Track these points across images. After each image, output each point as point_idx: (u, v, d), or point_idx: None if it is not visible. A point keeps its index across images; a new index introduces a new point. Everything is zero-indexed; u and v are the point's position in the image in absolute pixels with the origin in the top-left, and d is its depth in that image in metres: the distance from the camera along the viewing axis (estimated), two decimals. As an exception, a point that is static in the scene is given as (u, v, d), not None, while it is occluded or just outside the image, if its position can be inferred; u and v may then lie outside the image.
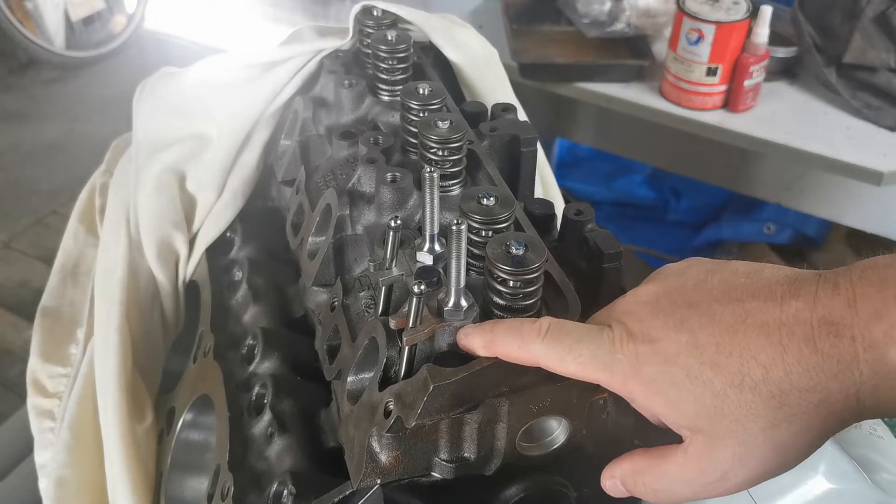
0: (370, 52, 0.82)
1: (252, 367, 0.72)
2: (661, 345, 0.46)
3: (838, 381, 0.41)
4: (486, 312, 0.56)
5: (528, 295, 0.54)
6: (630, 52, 1.76)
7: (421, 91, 0.73)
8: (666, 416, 0.46)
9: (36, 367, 0.90)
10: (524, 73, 1.73)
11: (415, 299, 0.53)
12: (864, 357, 0.41)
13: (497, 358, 0.51)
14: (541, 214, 0.66)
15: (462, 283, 0.54)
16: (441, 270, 0.58)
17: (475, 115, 0.79)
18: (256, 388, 0.69)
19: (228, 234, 0.88)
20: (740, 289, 0.46)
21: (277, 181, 0.85)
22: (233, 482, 0.64)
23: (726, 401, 0.43)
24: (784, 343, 0.42)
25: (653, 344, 0.46)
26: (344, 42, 0.87)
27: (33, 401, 0.90)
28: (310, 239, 0.71)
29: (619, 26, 1.76)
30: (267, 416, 0.66)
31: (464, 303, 0.54)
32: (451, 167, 0.67)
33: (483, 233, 0.57)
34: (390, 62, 0.80)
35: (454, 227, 0.51)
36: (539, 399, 0.54)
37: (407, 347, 0.54)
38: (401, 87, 0.78)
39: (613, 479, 0.52)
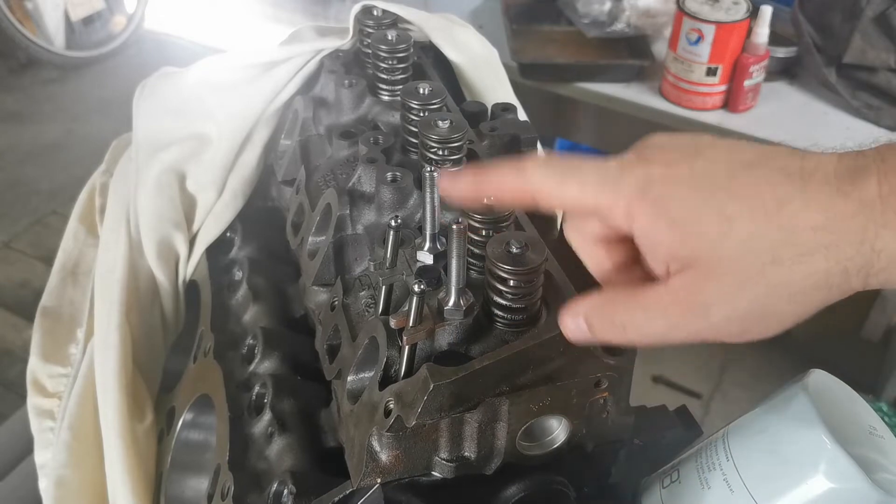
0: (370, 51, 0.82)
1: (252, 367, 0.72)
2: (674, 168, 0.43)
3: (855, 222, 0.40)
4: (486, 312, 0.56)
5: (528, 294, 0.54)
6: (630, 52, 1.76)
7: (421, 91, 0.73)
8: (664, 242, 0.43)
9: (36, 367, 0.90)
10: (524, 73, 1.73)
11: (415, 298, 0.53)
12: (888, 200, 0.39)
13: (498, 358, 0.52)
14: (541, 214, 0.66)
15: (462, 283, 0.54)
16: (441, 270, 0.58)
17: (475, 115, 0.80)
18: (256, 388, 0.69)
19: (228, 234, 0.88)
20: (758, 145, 0.45)
21: (277, 181, 0.86)
22: (233, 482, 0.64)
23: (734, 227, 0.41)
24: (804, 179, 0.41)
25: (666, 167, 0.44)
26: (344, 42, 0.87)
27: (33, 401, 0.90)
28: (310, 239, 0.71)
29: (619, 26, 1.76)
30: (267, 416, 0.66)
31: (464, 302, 0.54)
32: (452, 166, 0.67)
33: (483, 232, 0.57)
34: (390, 62, 0.80)
35: (454, 227, 0.51)
36: (539, 399, 0.54)
37: (407, 347, 0.54)
38: (401, 86, 0.78)
39: (577, 317, 0.48)
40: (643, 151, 0.46)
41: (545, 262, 0.54)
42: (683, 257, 0.43)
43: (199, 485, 0.78)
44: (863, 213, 0.40)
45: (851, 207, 0.40)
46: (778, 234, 0.41)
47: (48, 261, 1.01)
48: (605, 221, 0.46)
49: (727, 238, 0.42)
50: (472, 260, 0.58)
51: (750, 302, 0.42)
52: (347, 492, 0.56)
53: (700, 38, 1.56)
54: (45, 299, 0.96)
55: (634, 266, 0.49)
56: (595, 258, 0.51)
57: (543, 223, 0.66)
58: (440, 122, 0.66)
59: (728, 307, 0.43)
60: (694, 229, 0.42)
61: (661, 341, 0.45)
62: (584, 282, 0.57)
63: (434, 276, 0.58)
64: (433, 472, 0.56)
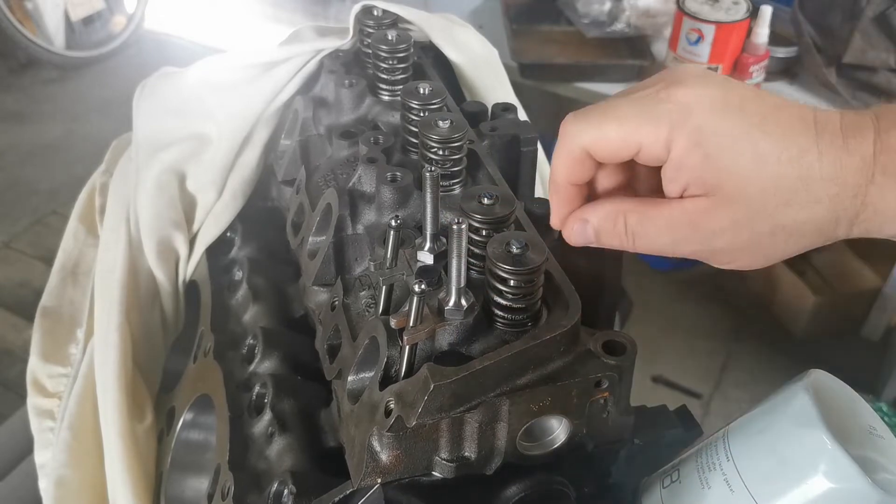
0: (370, 51, 0.82)
1: (252, 367, 0.72)
2: (709, 97, 0.45)
3: (856, 176, 0.43)
4: (486, 312, 0.56)
5: (528, 294, 0.54)
6: (630, 52, 1.77)
7: (421, 91, 0.73)
8: (696, 169, 0.45)
9: (36, 367, 0.90)
10: (524, 73, 1.73)
11: (415, 299, 0.53)
12: (879, 159, 0.43)
13: (498, 358, 0.51)
14: (541, 214, 0.66)
15: (463, 283, 0.54)
16: (441, 270, 0.58)
17: (475, 115, 0.80)
18: (256, 388, 0.69)
19: (228, 234, 0.88)
20: (773, 94, 0.48)
21: (277, 181, 0.86)
22: (233, 482, 0.64)
23: (762, 168, 0.44)
24: (818, 131, 0.44)
25: (701, 94, 0.45)
26: (344, 42, 0.87)
27: (33, 401, 0.90)
28: (310, 238, 0.71)
29: (619, 26, 1.76)
30: (267, 416, 0.66)
31: (464, 302, 0.54)
32: (452, 167, 0.67)
33: (483, 232, 0.57)
34: (390, 62, 0.80)
35: (455, 227, 0.51)
36: (539, 399, 0.54)
37: (407, 347, 0.54)
38: (401, 86, 0.78)
39: (585, 223, 0.51)
40: (673, 76, 0.47)
41: (545, 262, 0.54)
42: (709, 184, 0.45)
43: (199, 485, 0.78)
44: (862, 168, 0.44)
45: (855, 162, 0.44)
46: (797, 181, 0.44)
47: (48, 261, 1.01)
48: (644, 154, 0.47)
49: (755, 176, 0.44)
50: (472, 260, 0.58)
51: (752, 235, 0.46)
52: (348, 492, 0.56)
53: (700, 38, 1.56)
54: (45, 299, 0.96)
55: (627, 188, 0.52)
56: (602, 179, 0.53)
57: (543, 223, 0.66)
58: (440, 122, 0.66)
59: (732, 237, 0.46)
60: (727, 164, 0.45)
61: (661, 253, 0.49)
62: (584, 283, 0.58)
63: (434, 276, 0.58)
64: (433, 472, 0.56)
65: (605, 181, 0.53)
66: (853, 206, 0.44)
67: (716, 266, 0.48)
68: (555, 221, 0.52)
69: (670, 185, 0.47)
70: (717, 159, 0.45)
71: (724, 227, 0.46)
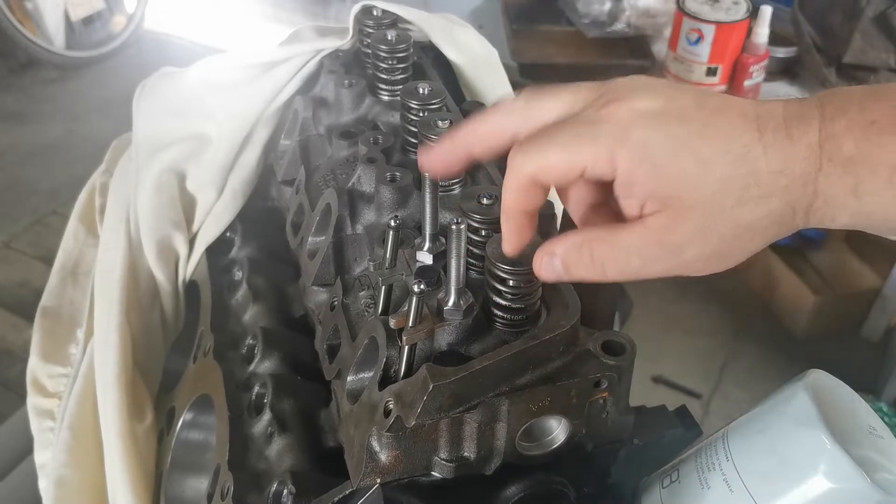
0: (370, 51, 0.82)
1: (252, 367, 0.72)
2: (649, 110, 0.46)
3: (803, 165, 0.44)
4: (485, 312, 0.56)
5: (527, 294, 0.54)
6: (630, 52, 1.77)
7: (421, 91, 0.73)
8: (645, 184, 0.46)
9: (36, 366, 0.90)
10: (524, 73, 1.73)
11: (415, 299, 0.53)
12: (825, 147, 0.44)
13: (498, 358, 0.51)
14: (541, 214, 0.66)
15: (462, 283, 0.54)
16: (441, 270, 0.58)
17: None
18: (256, 388, 0.69)
19: (228, 234, 0.88)
20: (713, 92, 0.48)
21: (277, 181, 0.86)
22: (233, 482, 0.64)
23: (708, 171, 0.44)
24: (761, 128, 0.45)
25: (640, 108, 0.46)
26: (344, 42, 0.87)
27: (33, 401, 0.90)
28: (310, 238, 0.71)
29: (619, 26, 1.76)
30: (267, 416, 0.66)
31: (463, 302, 0.54)
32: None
33: (483, 232, 0.57)
34: (390, 62, 0.80)
35: (454, 227, 0.51)
36: (538, 399, 0.54)
37: (407, 347, 0.54)
38: (401, 86, 0.78)
39: (553, 255, 0.50)
40: (611, 92, 0.48)
41: (545, 262, 0.54)
42: (662, 197, 0.46)
43: (199, 485, 0.78)
44: (809, 157, 0.44)
45: (801, 152, 0.44)
46: (746, 178, 0.45)
47: (48, 261, 1.01)
48: (590, 173, 0.48)
49: (703, 180, 0.45)
50: (471, 260, 0.58)
51: (719, 240, 0.46)
52: (347, 492, 0.56)
53: (700, 38, 1.56)
54: (45, 299, 0.96)
55: (603, 206, 0.52)
56: (578, 210, 0.53)
57: (543, 223, 0.66)
58: (440, 122, 0.66)
59: (699, 245, 0.46)
60: (674, 172, 0.45)
61: (634, 278, 0.48)
62: (583, 283, 0.58)
63: (434, 276, 0.58)
64: (433, 473, 0.56)
65: (576, 202, 0.53)
66: (805, 196, 0.44)
67: (692, 276, 0.48)
68: (507, 249, 0.52)
69: (627, 203, 0.48)
70: (664, 169, 0.45)
71: (690, 238, 0.46)
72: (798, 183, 0.44)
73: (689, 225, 0.45)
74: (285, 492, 0.60)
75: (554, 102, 0.49)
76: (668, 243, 0.46)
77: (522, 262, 0.53)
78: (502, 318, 0.55)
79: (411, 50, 0.81)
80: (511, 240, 0.51)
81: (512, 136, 0.50)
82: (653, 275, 0.48)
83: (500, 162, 0.74)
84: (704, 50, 1.57)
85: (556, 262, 0.50)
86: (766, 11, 1.55)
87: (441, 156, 0.52)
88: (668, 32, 1.67)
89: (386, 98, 0.81)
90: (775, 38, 1.64)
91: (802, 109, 0.45)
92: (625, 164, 0.46)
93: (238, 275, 0.82)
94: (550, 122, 0.49)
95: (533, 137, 0.48)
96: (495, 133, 0.51)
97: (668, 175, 0.45)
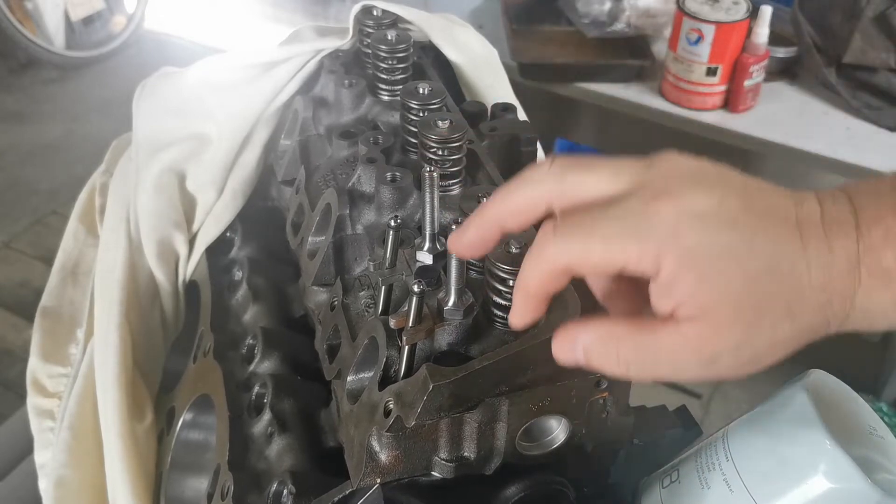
0: (370, 51, 0.82)
1: (252, 367, 0.72)
2: (700, 212, 0.43)
3: (843, 281, 0.42)
4: (485, 312, 0.56)
5: (527, 294, 0.54)
6: (630, 52, 1.77)
7: (421, 91, 0.73)
8: (688, 290, 0.43)
9: (36, 367, 0.90)
10: (524, 73, 1.73)
11: (415, 298, 0.53)
12: (865, 260, 0.42)
13: (497, 358, 0.51)
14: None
15: (462, 283, 0.54)
16: (441, 270, 0.58)
17: (475, 115, 0.80)
18: (256, 388, 0.69)
19: (228, 234, 0.88)
20: (755, 186, 0.45)
21: (277, 181, 0.86)
22: (233, 482, 0.64)
23: (754, 288, 0.42)
24: (804, 237, 0.42)
25: (692, 208, 0.43)
26: (344, 42, 0.87)
27: (33, 401, 0.90)
28: (310, 239, 0.71)
29: (619, 26, 1.76)
30: (267, 416, 0.66)
31: (463, 302, 0.54)
32: (451, 167, 0.67)
33: (483, 232, 0.57)
34: (390, 62, 0.80)
35: (454, 227, 0.51)
36: (539, 398, 0.54)
37: (407, 347, 0.54)
38: (401, 86, 0.78)
39: (574, 344, 0.47)
40: (658, 179, 0.45)
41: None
42: (703, 306, 0.43)
43: (199, 485, 0.78)
44: (849, 271, 0.42)
45: (842, 265, 0.42)
46: (790, 294, 0.42)
47: (48, 261, 1.01)
48: (629, 270, 0.45)
49: (748, 297, 0.42)
50: (471, 260, 0.58)
51: (753, 353, 0.44)
52: (347, 492, 0.56)
53: (700, 38, 1.56)
54: (45, 299, 0.96)
55: (628, 282, 0.49)
56: (598, 283, 0.51)
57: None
58: (440, 122, 0.66)
59: (733, 357, 0.44)
60: (720, 285, 0.43)
61: (658, 380, 0.46)
62: (583, 283, 0.57)
63: (434, 277, 0.58)
64: (433, 472, 0.56)
65: (600, 275, 0.51)
66: (843, 310, 0.43)
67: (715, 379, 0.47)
68: (515, 322, 0.50)
69: (660, 302, 0.45)
70: (710, 281, 0.43)
71: (726, 350, 0.43)
72: (838, 298, 0.42)
73: (727, 339, 0.43)
74: (285, 492, 0.60)
75: (593, 179, 0.46)
76: (702, 354, 0.44)
77: (523, 262, 0.53)
78: (502, 318, 0.55)
79: (411, 50, 0.81)
80: (523, 316, 0.49)
81: (546, 208, 0.47)
82: (679, 380, 0.46)
83: (501, 162, 0.74)
84: (704, 50, 1.57)
85: (577, 350, 0.47)
86: (766, 11, 1.55)
87: (472, 238, 0.49)
88: (668, 32, 1.67)
89: (386, 98, 0.81)
90: (775, 38, 1.64)
91: (839, 214, 0.43)
92: (670, 269, 0.43)
93: (238, 275, 0.82)
94: (588, 202, 0.45)
95: (571, 223, 0.45)
96: (528, 207, 0.48)
97: (713, 288, 0.43)
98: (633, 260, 0.43)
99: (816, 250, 0.42)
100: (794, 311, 0.43)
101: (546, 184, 0.47)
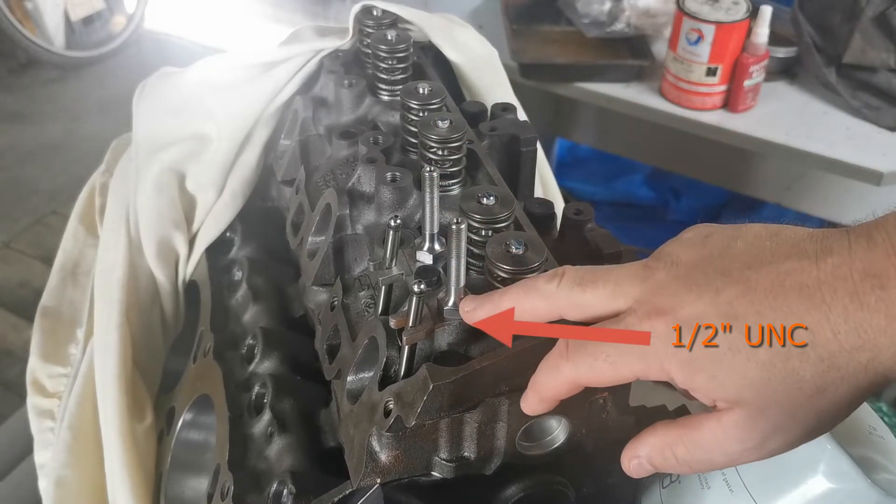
0: (370, 51, 0.82)
1: (252, 367, 0.72)
2: (698, 315, 0.43)
3: (887, 335, 0.39)
4: (485, 312, 0.56)
5: (527, 294, 0.54)
6: (630, 52, 1.76)
7: (421, 91, 0.73)
8: (708, 391, 0.44)
9: (36, 367, 0.90)
10: (524, 73, 1.73)
11: (415, 299, 0.53)
12: None
13: (497, 358, 0.51)
14: (541, 214, 0.66)
15: (462, 283, 0.54)
16: (441, 270, 0.58)
17: (475, 115, 0.79)
18: (256, 388, 0.69)
19: (228, 234, 0.88)
20: (769, 251, 0.43)
21: (277, 181, 0.85)
22: (233, 482, 0.64)
23: (772, 371, 0.41)
24: (828, 302, 0.40)
25: (688, 316, 0.43)
26: (344, 42, 0.87)
27: (33, 401, 0.90)
28: (310, 239, 0.71)
29: (619, 26, 1.76)
30: (267, 416, 0.66)
31: (464, 302, 0.54)
32: (451, 167, 0.67)
33: (483, 232, 0.57)
34: (390, 62, 0.80)
35: (454, 227, 0.51)
36: (539, 398, 0.54)
37: (407, 347, 0.54)
38: (401, 86, 0.78)
39: (639, 458, 0.49)
40: (654, 291, 0.45)
41: (545, 262, 0.54)
42: (730, 399, 0.43)
43: (199, 485, 0.78)
44: (892, 326, 0.39)
45: (882, 321, 0.39)
46: (818, 365, 0.41)
47: (48, 261, 1.01)
48: (644, 379, 0.46)
49: (769, 385, 0.42)
50: (471, 260, 0.58)
51: (803, 429, 0.43)
52: (347, 492, 0.56)
53: (700, 38, 1.56)
54: (45, 299, 0.96)
55: None
56: None
57: (543, 223, 0.66)
58: (440, 122, 0.66)
59: (783, 436, 0.43)
60: (735, 381, 0.42)
61: (722, 467, 0.48)
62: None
63: (433, 277, 0.58)
64: (433, 472, 0.56)
65: None
66: (893, 360, 0.40)
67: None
68: (528, 411, 0.52)
69: (697, 397, 0.46)
70: (722, 379, 0.43)
71: (771, 432, 0.43)
72: (886, 353, 0.40)
73: (767, 423, 0.43)
74: (285, 492, 0.60)
75: (596, 296, 0.47)
76: (747, 442, 0.44)
77: (522, 262, 0.53)
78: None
79: (411, 50, 0.81)
80: (535, 409, 0.52)
81: (558, 318, 0.50)
82: (745, 463, 0.46)
83: (501, 162, 0.74)
84: (704, 50, 1.57)
85: (643, 464, 0.49)
86: (766, 11, 1.55)
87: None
88: (668, 32, 1.67)
89: (386, 98, 0.81)
90: (775, 38, 1.64)
91: (874, 264, 0.40)
92: (679, 377, 0.44)
93: (238, 275, 0.82)
94: (594, 317, 0.48)
95: (579, 345, 0.47)
96: (541, 318, 0.50)
97: (728, 384, 0.42)
98: (642, 374, 0.45)
99: (843, 312, 0.40)
100: (830, 378, 0.41)
101: (556, 300, 0.49)
